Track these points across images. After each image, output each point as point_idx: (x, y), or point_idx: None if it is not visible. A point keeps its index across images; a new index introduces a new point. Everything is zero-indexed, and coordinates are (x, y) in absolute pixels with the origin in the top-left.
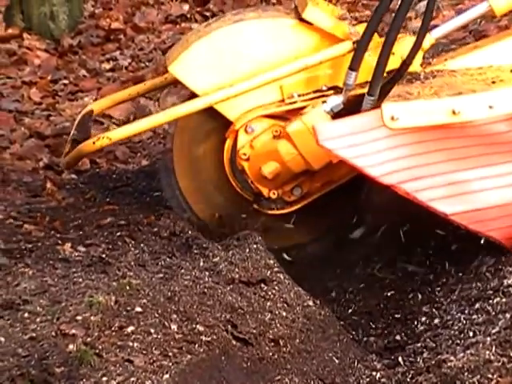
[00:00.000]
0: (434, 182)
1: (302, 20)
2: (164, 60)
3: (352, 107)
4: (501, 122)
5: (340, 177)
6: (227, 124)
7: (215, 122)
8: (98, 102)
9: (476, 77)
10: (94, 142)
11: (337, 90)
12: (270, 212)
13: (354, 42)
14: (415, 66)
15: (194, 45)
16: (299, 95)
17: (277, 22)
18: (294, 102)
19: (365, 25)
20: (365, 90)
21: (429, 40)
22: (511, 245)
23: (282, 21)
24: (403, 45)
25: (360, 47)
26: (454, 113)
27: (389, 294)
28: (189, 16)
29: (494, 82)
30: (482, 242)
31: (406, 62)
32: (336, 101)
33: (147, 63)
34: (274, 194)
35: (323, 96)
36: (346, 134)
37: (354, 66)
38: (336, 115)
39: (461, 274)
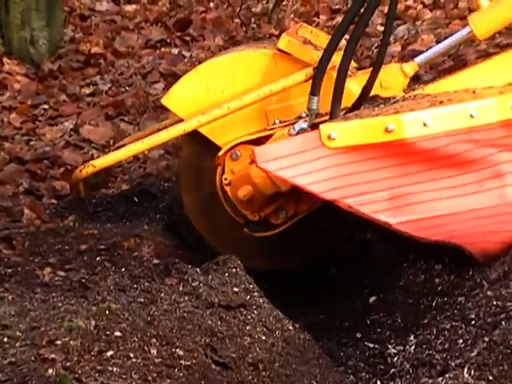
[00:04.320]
0: (376, 196)
1: (280, 50)
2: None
3: None
4: (435, 139)
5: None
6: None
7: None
8: (127, 139)
9: (432, 98)
10: (80, 170)
11: (317, 115)
12: (256, 234)
13: (314, 68)
14: (397, 91)
15: (183, 78)
16: (280, 122)
17: (255, 54)
18: (274, 129)
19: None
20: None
21: (412, 67)
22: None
23: (260, 52)
24: (383, 71)
25: (317, 73)
26: (386, 131)
27: (367, 319)
28: (169, 41)
29: (441, 102)
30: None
31: (366, 89)
32: (302, 125)
33: (127, 88)
34: (254, 216)
35: None
36: (285, 155)
37: (314, 91)
38: None
39: (438, 300)
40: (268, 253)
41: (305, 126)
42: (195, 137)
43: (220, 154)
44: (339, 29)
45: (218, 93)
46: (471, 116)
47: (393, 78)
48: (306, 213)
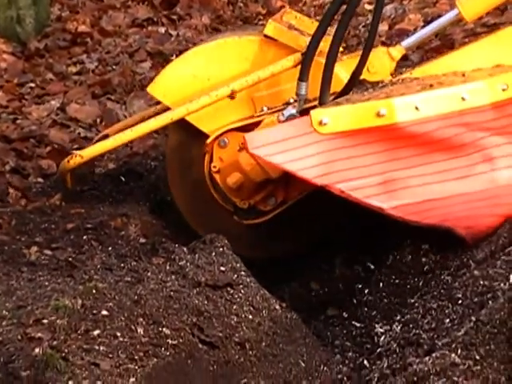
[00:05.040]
0: (368, 181)
1: (266, 36)
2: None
3: None
4: (426, 123)
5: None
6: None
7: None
8: (112, 127)
9: (421, 82)
10: (68, 161)
11: (305, 101)
12: (245, 222)
13: (302, 54)
14: (384, 76)
15: (169, 66)
16: (268, 108)
17: (241, 41)
18: (262, 115)
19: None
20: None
21: (399, 50)
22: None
23: (246, 39)
24: (370, 55)
25: (305, 58)
26: (378, 115)
27: (354, 299)
28: (155, 19)
29: (431, 86)
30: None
31: (356, 74)
32: (291, 111)
33: (114, 67)
34: (244, 203)
35: None
36: (276, 141)
37: (303, 77)
38: None
39: (425, 279)
40: (256, 240)
41: (294, 111)
42: (182, 125)
43: (208, 141)
44: (327, 14)
45: (204, 80)
46: (463, 99)
47: (380, 62)
48: (296, 199)
